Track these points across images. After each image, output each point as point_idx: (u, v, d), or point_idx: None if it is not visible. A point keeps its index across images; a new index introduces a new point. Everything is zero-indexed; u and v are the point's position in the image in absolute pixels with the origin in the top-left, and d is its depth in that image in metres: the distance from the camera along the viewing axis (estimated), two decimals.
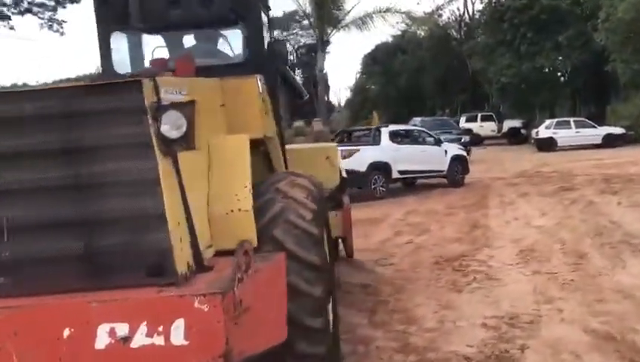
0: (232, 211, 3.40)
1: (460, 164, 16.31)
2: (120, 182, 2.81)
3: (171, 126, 2.85)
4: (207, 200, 3.40)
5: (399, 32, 55.39)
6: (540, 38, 33.08)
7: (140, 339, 2.53)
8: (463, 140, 23.71)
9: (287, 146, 6.14)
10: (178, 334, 2.52)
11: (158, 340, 2.52)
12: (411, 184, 16.44)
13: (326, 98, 43.20)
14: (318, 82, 28.49)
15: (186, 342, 2.52)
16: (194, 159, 3.24)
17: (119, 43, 5.11)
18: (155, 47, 5.18)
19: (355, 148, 14.75)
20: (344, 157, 14.00)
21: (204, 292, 2.58)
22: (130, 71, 4.70)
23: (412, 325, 5.34)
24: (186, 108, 2.87)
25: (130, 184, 2.82)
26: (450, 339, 4.96)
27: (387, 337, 5.09)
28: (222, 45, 5.34)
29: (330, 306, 4.19)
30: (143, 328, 2.53)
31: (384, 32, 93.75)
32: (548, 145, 27.19)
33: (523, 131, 33.49)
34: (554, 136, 27.50)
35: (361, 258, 8.10)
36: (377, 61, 54.89)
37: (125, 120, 2.82)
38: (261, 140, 4.50)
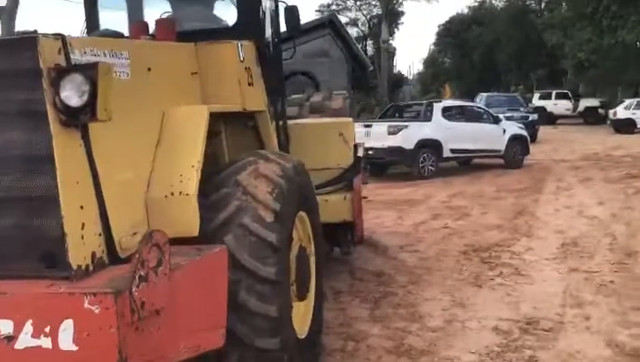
0: (171, 194, 2.98)
1: (519, 144, 15.34)
2: (11, 157, 2.44)
3: (75, 92, 2.38)
4: (147, 180, 3.01)
5: (475, 3, 53.36)
6: (624, 11, 30.63)
7: (25, 340, 2.19)
8: (530, 118, 22.42)
9: (297, 121, 5.76)
10: (66, 337, 2.16)
11: (45, 342, 2.18)
12: (465, 164, 15.62)
13: (394, 70, 42.26)
14: (381, 53, 27.62)
15: (74, 348, 2.16)
16: (125, 132, 2.86)
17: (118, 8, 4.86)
18: (163, 12, 4.89)
19: (402, 124, 14.10)
20: (390, 134, 13.49)
21: (95, 291, 2.18)
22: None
23: (415, 323, 4.86)
24: (90, 71, 2.39)
25: (22, 159, 2.44)
26: (451, 342, 4.45)
27: (383, 334, 4.64)
28: (220, 10, 4.97)
29: (310, 305, 3.91)
30: (28, 327, 2.20)
31: (460, 2, 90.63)
32: (626, 126, 25.30)
33: (601, 111, 31.41)
34: (633, 117, 25.55)
35: (387, 242, 7.64)
36: (452, 33, 53.14)
37: (18, 84, 2.42)
38: (249, 114, 4.11)
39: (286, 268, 3.33)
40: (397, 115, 15.86)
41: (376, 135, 13.79)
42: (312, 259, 4.05)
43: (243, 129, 4.21)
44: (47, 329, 2.18)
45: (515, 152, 15.26)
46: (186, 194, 2.98)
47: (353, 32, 41.84)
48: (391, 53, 35.33)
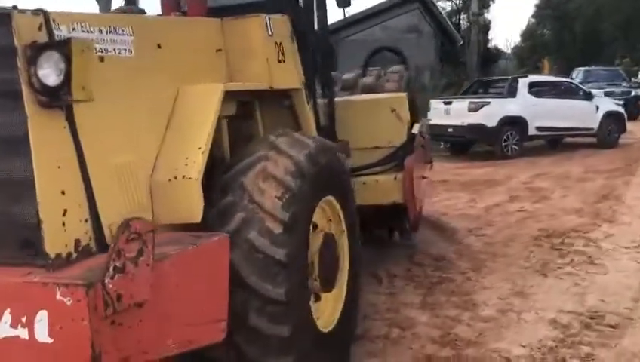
0: (174, 178, 2.82)
1: (614, 122, 14.29)
2: None
3: (52, 70, 2.25)
4: (153, 162, 2.89)
5: None
6: None
7: (4, 329, 2.12)
8: (633, 94, 20.84)
9: (346, 98, 5.55)
10: (42, 329, 2.07)
11: (23, 333, 2.09)
12: (554, 143, 14.74)
13: (490, 44, 40.48)
14: (471, 26, 26.55)
15: (50, 340, 2.06)
16: (125, 112, 2.74)
17: None
18: None
19: (484, 100, 13.48)
20: (471, 111, 12.97)
21: (66, 282, 2.06)
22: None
23: (467, 311, 4.64)
24: (65, 47, 2.24)
25: (1, 141, 2.35)
26: (503, 334, 4.21)
27: (431, 323, 4.46)
28: None
29: (340, 294, 3.68)
30: (7, 316, 2.12)
31: None
32: None
33: None
34: None
35: (455, 225, 7.37)
36: (551, 5, 50.22)
37: None
38: (283, 93, 3.97)
39: (302, 278, 3.08)
40: (481, 90, 15.21)
41: (457, 112, 13.32)
42: (344, 246, 3.80)
43: (279, 108, 4.06)
44: (23, 320, 2.10)
45: (610, 130, 14.23)
46: (189, 178, 2.81)
47: (446, 5, 40.51)
48: (484, 26, 33.86)
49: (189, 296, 2.45)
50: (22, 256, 2.31)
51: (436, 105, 14.16)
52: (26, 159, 2.28)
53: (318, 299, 3.49)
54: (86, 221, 2.46)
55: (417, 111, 6.26)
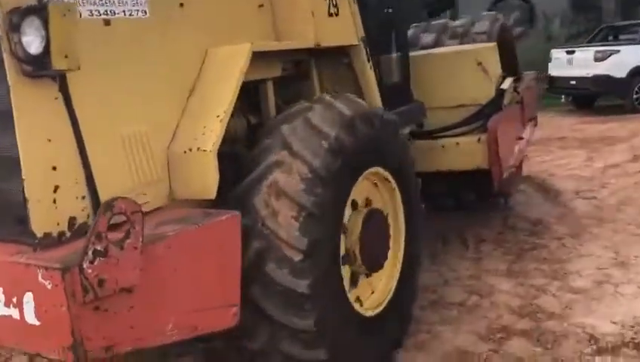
0: (190, 150, 2.59)
1: None
2: None
3: (36, 37, 2.06)
4: (172, 132, 2.68)
5: None
6: None
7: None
8: None
9: (426, 52, 5.17)
10: (29, 310, 2.01)
11: (15, 313, 2.03)
12: None
13: None
14: None
15: (37, 322, 1.99)
16: (137, 79, 2.54)
17: None
18: None
19: (612, 48, 12.20)
20: (597, 60, 11.87)
21: (44, 265, 1.95)
22: None
23: (556, 281, 4.30)
24: (43, 12, 2.05)
25: None
26: (592, 308, 3.86)
27: (513, 291, 4.19)
28: None
29: (391, 274, 3.37)
30: (1, 295, 2.07)
31: None
32: None
33: None
34: None
35: (563, 187, 6.83)
36: None
37: None
38: (342, 50, 3.68)
39: (334, 289, 2.80)
40: (610, 37, 13.80)
41: (580, 62, 12.23)
42: (398, 219, 3.45)
43: (338, 67, 3.80)
44: (14, 300, 2.04)
45: None
46: (203, 151, 2.56)
47: None
48: None
49: (192, 280, 2.29)
50: (16, 233, 2.21)
51: (557, 55, 13.07)
52: (10, 133, 2.13)
53: (361, 278, 3.24)
54: (83, 198, 2.27)
55: (516, 62, 5.76)
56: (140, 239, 2.03)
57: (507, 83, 4.95)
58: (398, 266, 3.40)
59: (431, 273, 4.63)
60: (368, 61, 3.76)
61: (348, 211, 3.02)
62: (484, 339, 3.58)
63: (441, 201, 5.57)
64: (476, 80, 4.76)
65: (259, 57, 2.93)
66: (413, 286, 3.55)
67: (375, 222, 3.18)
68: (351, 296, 3.00)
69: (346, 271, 3.02)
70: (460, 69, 4.77)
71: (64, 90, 2.24)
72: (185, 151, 2.60)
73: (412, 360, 3.43)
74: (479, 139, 4.68)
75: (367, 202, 3.25)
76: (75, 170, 2.27)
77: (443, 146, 4.72)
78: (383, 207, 3.37)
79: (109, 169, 2.38)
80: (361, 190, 3.14)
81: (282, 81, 3.40)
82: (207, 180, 2.56)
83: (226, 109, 2.64)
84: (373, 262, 3.19)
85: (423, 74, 4.67)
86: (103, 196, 2.30)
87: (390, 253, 3.39)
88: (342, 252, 2.94)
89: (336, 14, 3.50)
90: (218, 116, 2.62)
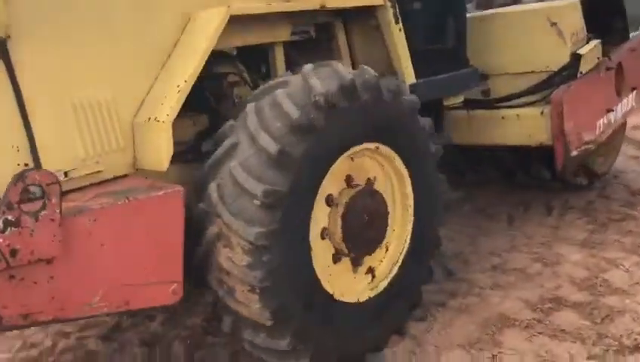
0: (148, 119, 2.52)
1: None
2: None
3: None
4: (140, 101, 2.63)
5: None
6: None
7: None
8: None
9: (491, 11, 4.67)
10: None
11: None
12: None
13: None
14: None
15: None
16: (101, 47, 2.49)
17: None
18: None
19: None
20: None
21: None
22: None
23: (635, 256, 3.99)
24: None
25: None
26: None
27: (582, 263, 3.97)
28: None
29: (391, 254, 3.14)
30: None
31: None
32: None
33: None
34: None
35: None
36: None
37: None
38: (371, 10, 3.38)
39: (301, 279, 2.63)
40: None
41: None
42: (402, 202, 3.15)
43: (369, 30, 3.51)
44: None
45: None
46: (157, 121, 2.48)
47: None
48: None
49: (122, 255, 2.26)
50: None
51: None
52: None
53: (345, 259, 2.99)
54: (25, 165, 2.28)
55: (623, 21, 4.98)
56: (57, 211, 2.03)
57: (587, 47, 4.37)
58: (403, 249, 3.13)
59: (503, 237, 4.52)
60: (396, 23, 3.43)
61: (335, 188, 2.84)
62: (531, 308, 3.48)
63: (510, 176, 5.26)
64: (548, 43, 4.23)
65: (260, 20, 2.84)
66: (425, 270, 3.29)
67: (366, 202, 2.91)
68: (327, 281, 2.79)
69: (325, 250, 2.86)
70: (529, 30, 4.25)
71: (5, 56, 2.23)
72: (145, 121, 2.56)
73: (451, 320, 3.43)
74: (542, 112, 4.17)
75: (368, 180, 3.00)
76: (16, 137, 2.27)
77: (503, 118, 4.31)
78: (384, 186, 3.09)
79: (55, 137, 2.36)
80: (353, 167, 2.91)
81: (304, 45, 3.29)
82: (160, 152, 2.48)
83: (187, 79, 2.54)
84: (361, 243, 2.94)
85: (487, 36, 4.28)
86: (47, 164, 2.30)
87: (393, 236, 3.14)
88: (323, 226, 2.82)
89: None
90: (178, 86, 2.54)
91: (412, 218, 3.15)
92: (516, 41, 4.28)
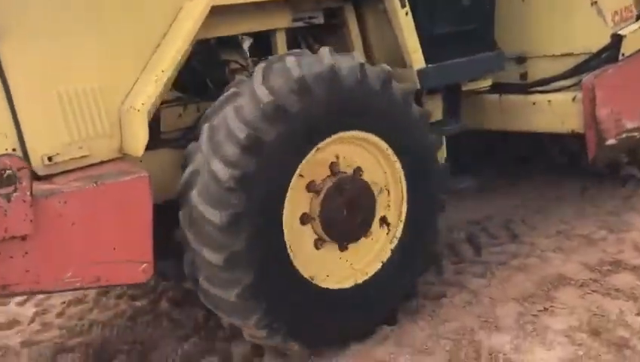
0: (130, 107, 2.71)
1: None
2: None
3: None
4: (129, 88, 2.80)
5: None
6: None
7: None
8: None
9: None
10: None
11: None
12: None
13: None
14: None
15: None
16: (85, 36, 2.66)
17: None
18: None
19: None
20: None
21: None
22: None
23: None
24: None
25: None
26: None
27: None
28: None
29: (378, 241, 3.21)
30: None
31: None
32: None
33: None
34: None
35: None
36: None
37: None
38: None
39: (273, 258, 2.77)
40: None
41: None
42: (394, 192, 3.20)
43: (380, 13, 3.49)
44: None
45: None
46: (134, 109, 2.68)
47: None
48: None
49: (92, 234, 2.47)
50: None
51: None
52: None
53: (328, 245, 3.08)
54: (13, 150, 2.52)
55: None
56: (28, 193, 2.27)
57: (632, 27, 4.07)
58: (394, 239, 3.20)
59: (572, 206, 4.62)
60: (403, 7, 3.37)
61: (320, 175, 2.94)
62: (590, 269, 3.65)
63: (524, 163, 5.22)
64: (587, 23, 3.97)
65: (255, 8, 2.97)
66: (420, 261, 3.33)
67: (349, 190, 3.00)
68: (307, 265, 2.92)
69: (305, 235, 2.99)
70: (568, 8, 4.01)
71: None
72: (127, 109, 2.74)
73: (509, 277, 3.68)
74: (574, 98, 3.96)
75: (357, 169, 3.07)
76: (4, 125, 2.52)
77: (534, 103, 4.12)
78: (375, 176, 3.14)
79: (41, 124, 2.58)
80: (339, 153, 2.99)
81: (314, 31, 3.42)
82: (137, 138, 2.68)
83: (165, 69, 2.70)
84: (342, 231, 3.04)
85: (525, 15, 4.12)
86: (33, 150, 2.56)
87: (380, 226, 3.21)
88: (304, 211, 2.95)
89: None
90: (156, 76, 2.70)
91: (405, 210, 3.20)
92: (554, 21, 4.08)
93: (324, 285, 2.98)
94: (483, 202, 4.85)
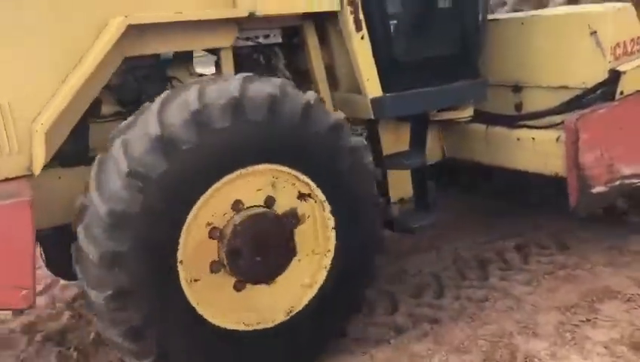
0: (34, 126, 2.65)
1: None
2: None
3: None
4: (42, 106, 2.71)
5: None
6: None
7: None
8: None
9: (520, 14, 4.17)
10: None
11: None
12: None
13: None
14: None
15: None
16: (13, 50, 2.59)
17: None
18: None
19: None
20: None
21: None
22: None
23: None
24: None
25: None
26: None
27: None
28: None
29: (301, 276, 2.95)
30: None
31: None
32: None
33: None
34: None
35: None
36: None
37: None
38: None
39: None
40: None
41: None
42: (321, 229, 2.94)
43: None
44: None
45: None
46: (35, 129, 2.62)
47: None
48: None
49: None
50: None
51: None
52: None
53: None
54: None
55: None
56: None
57: (634, 63, 3.60)
58: (320, 279, 2.96)
59: (626, 225, 4.50)
60: (358, 31, 3.17)
61: (224, 217, 2.71)
62: (639, 285, 3.61)
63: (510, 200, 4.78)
64: (584, 55, 3.58)
65: (192, 26, 2.83)
66: (348, 304, 3.08)
67: (257, 230, 2.74)
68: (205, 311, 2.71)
69: (224, 281, 2.78)
70: (567, 38, 3.65)
71: None
72: (33, 127, 2.66)
73: (555, 287, 3.71)
74: (558, 138, 3.57)
75: (269, 199, 2.82)
76: None
77: (518, 139, 3.77)
78: (291, 203, 2.87)
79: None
80: (248, 187, 2.74)
81: (284, 49, 3.42)
82: (35, 158, 2.64)
83: (68, 90, 2.61)
84: (250, 273, 2.79)
85: (521, 42, 3.82)
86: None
87: (302, 265, 2.95)
88: (216, 257, 2.75)
89: None
90: (60, 96, 2.62)
91: (333, 247, 2.95)
92: (552, 50, 3.73)
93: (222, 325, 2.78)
94: (532, 212, 4.83)
